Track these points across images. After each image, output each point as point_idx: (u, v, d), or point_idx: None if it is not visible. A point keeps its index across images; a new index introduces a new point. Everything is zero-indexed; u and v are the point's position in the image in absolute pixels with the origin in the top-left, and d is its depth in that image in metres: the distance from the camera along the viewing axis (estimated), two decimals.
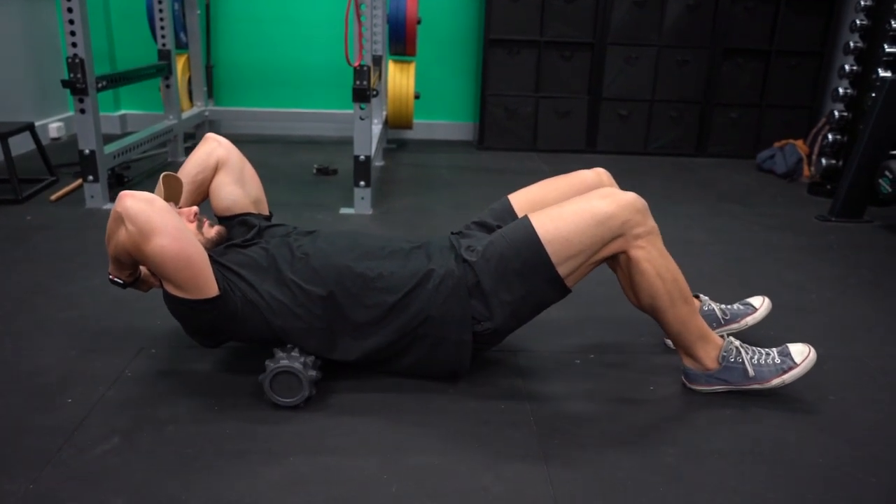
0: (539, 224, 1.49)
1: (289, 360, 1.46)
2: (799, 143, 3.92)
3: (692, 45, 4.18)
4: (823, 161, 3.46)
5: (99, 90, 2.82)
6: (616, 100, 4.27)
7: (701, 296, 1.84)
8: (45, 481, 1.25)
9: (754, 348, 1.59)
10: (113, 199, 2.94)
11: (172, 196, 1.63)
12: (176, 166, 3.65)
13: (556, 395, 1.59)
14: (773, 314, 1.92)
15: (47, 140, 3.98)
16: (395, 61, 4.06)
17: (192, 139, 4.20)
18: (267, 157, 3.90)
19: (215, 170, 1.77)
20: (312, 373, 1.48)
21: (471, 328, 1.52)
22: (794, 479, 1.32)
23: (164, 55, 3.64)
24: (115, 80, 3.11)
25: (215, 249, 1.60)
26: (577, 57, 4.20)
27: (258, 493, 1.24)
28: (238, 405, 1.51)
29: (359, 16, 2.74)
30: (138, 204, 1.35)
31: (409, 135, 4.55)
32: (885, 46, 3.13)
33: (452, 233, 1.73)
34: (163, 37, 3.64)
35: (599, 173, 1.77)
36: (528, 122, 4.33)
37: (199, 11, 3.94)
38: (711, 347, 1.57)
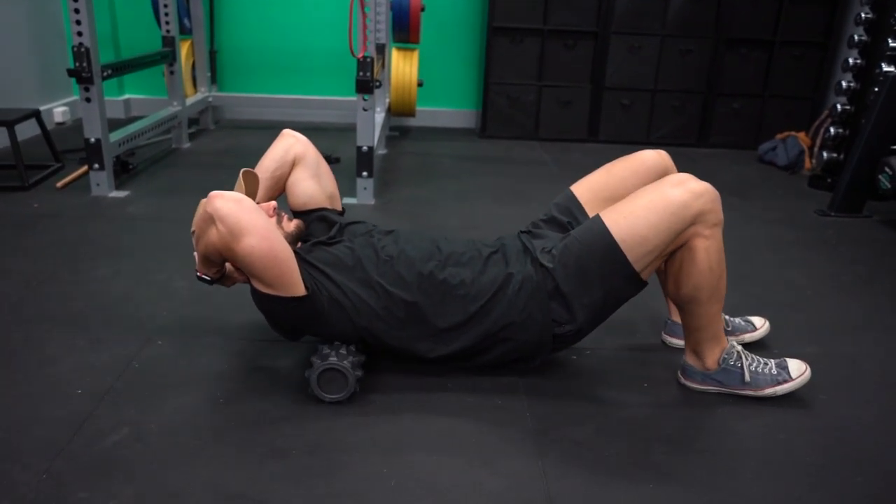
0: (612, 223, 1.47)
1: (337, 358, 1.50)
2: (801, 135, 3.92)
3: (695, 35, 4.18)
4: (825, 154, 3.47)
5: (104, 79, 2.83)
6: (618, 89, 4.27)
7: None
8: (56, 472, 1.29)
9: (754, 356, 1.62)
10: (118, 186, 2.99)
11: (250, 192, 1.65)
12: (180, 153, 3.68)
13: (553, 391, 1.63)
14: (768, 311, 1.96)
15: (52, 125, 4.00)
16: (399, 49, 4.06)
17: (195, 125, 4.23)
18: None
19: (293, 165, 1.79)
20: (359, 372, 1.53)
21: (552, 331, 1.54)
22: (782, 478, 1.36)
23: (168, 42, 3.65)
24: (120, 69, 3.13)
25: (302, 247, 1.63)
26: (580, 46, 4.20)
27: (262, 486, 1.28)
28: (242, 398, 1.55)
29: (363, 6, 2.74)
30: (228, 204, 1.37)
31: (411, 122, 4.56)
32: (889, 41, 3.13)
33: (521, 231, 1.73)
34: (167, 23, 3.65)
35: (661, 154, 1.71)
36: (531, 110, 4.33)
37: None
38: (718, 348, 1.60)
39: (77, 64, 2.68)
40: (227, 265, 1.56)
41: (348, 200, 2.96)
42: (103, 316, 1.89)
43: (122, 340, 1.76)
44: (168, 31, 3.65)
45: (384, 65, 3.89)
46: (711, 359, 1.60)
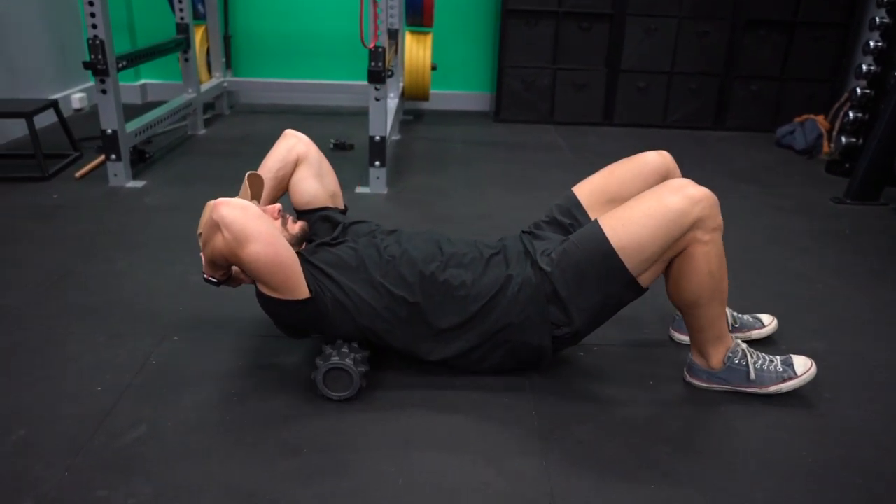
0: (610, 229, 1.48)
1: (339, 357, 1.54)
2: (820, 118, 3.86)
3: (713, 17, 4.11)
4: (843, 139, 3.42)
5: (120, 70, 2.86)
6: (634, 72, 4.22)
7: None
8: (78, 469, 1.35)
9: (759, 353, 1.63)
10: (135, 175, 3.04)
11: (255, 194, 1.68)
12: (196, 139, 3.72)
13: (559, 389, 1.66)
14: (776, 305, 1.97)
15: (70, 111, 4.05)
16: (413, 32, 4.05)
17: (211, 109, 4.26)
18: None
19: (295, 165, 1.82)
20: (363, 368, 1.57)
21: (550, 333, 1.56)
22: (782, 477, 1.38)
23: (183, 29, 3.66)
24: (135, 59, 3.15)
25: (306, 248, 1.66)
26: (595, 28, 4.15)
27: (274, 484, 1.33)
28: (256, 396, 1.59)
29: None
30: (233, 212, 1.40)
31: (425, 105, 4.55)
32: None
33: (524, 231, 1.76)
34: (181, 10, 3.66)
35: (664, 156, 1.72)
36: (545, 93, 4.31)
37: None
38: (722, 348, 1.61)
39: (93, 56, 2.71)
40: (234, 268, 1.60)
41: (361, 190, 2.99)
42: (121, 310, 1.94)
43: (140, 336, 1.81)
44: (182, 18, 3.66)
45: (397, 50, 3.88)
46: (716, 358, 1.62)
